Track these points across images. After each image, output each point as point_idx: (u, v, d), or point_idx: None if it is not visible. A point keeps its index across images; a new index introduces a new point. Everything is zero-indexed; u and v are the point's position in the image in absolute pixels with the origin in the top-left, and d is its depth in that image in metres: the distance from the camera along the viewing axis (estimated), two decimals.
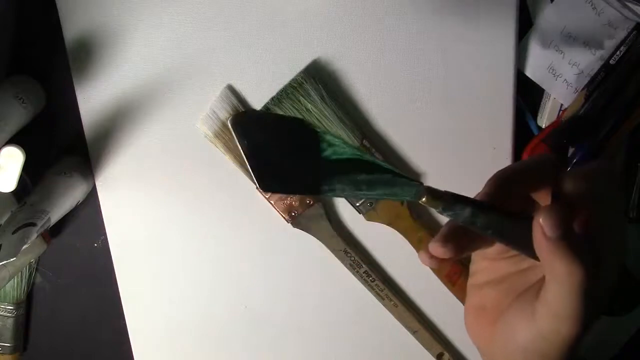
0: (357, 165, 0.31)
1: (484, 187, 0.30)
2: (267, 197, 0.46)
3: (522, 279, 0.33)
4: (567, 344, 0.30)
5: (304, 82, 0.44)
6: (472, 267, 0.37)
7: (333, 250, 0.47)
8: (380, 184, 0.31)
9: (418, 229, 0.46)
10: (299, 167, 0.31)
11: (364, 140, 0.45)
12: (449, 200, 0.30)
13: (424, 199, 0.30)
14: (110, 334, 0.52)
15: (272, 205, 0.46)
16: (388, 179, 0.31)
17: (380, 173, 0.31)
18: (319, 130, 0.31)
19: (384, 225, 0.46)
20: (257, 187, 0.46)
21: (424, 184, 0.30)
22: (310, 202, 0.46)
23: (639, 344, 0.51)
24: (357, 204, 0.46)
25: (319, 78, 0.45)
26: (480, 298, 0.36)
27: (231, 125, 0.31)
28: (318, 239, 0.47)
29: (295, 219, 0.46)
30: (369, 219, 0.46)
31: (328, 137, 0.31)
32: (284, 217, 0.47)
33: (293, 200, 0.46)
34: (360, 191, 0.31)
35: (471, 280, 0.37)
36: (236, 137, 0.31)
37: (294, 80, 0.44)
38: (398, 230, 0.46)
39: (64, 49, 0.45)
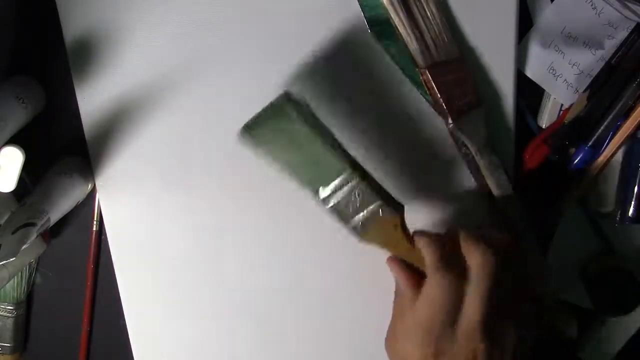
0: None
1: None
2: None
3: None
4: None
5: (289, 101, 0.39)
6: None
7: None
8: None
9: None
10: None
11: (354, 154, 0.40)
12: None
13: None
14: (110, 334, 0.52)
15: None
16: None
17: None
18: None
19: None
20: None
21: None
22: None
23: (639, 344, 0.51)
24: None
25: (308, 86, 0.44)
26: None
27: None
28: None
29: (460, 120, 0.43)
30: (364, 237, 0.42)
31: None
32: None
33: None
34: None
35: None
36: None
37: (280, 97, 0.40)
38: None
39: (64, 49, 0.45)
